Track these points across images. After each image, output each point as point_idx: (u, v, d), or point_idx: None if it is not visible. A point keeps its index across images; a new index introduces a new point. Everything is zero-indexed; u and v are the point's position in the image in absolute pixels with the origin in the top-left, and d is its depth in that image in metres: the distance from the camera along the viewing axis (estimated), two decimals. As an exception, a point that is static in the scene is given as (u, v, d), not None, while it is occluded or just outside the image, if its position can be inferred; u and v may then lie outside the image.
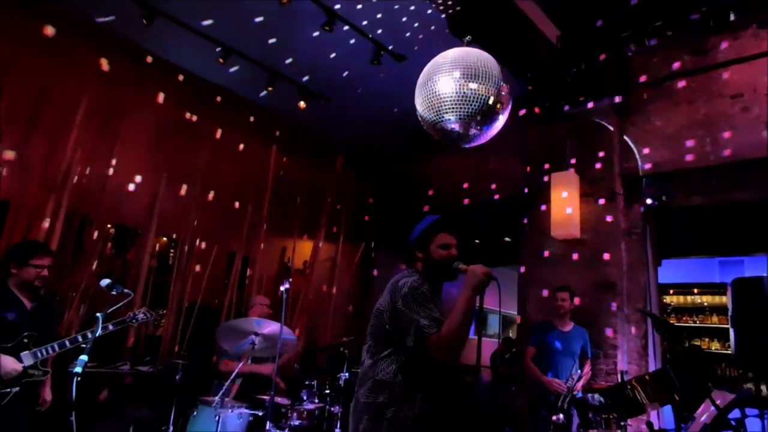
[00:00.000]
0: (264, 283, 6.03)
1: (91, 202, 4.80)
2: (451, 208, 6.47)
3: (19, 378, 2.78)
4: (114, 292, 2.50)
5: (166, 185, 5.28)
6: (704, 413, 2.79)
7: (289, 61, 5.46)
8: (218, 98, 5.84)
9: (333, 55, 5.34)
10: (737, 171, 4.58)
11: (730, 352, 7.59)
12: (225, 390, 3.59)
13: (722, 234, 5.61)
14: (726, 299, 8.18)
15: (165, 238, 5.44)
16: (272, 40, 5.13)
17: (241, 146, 6.05)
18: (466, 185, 6.46)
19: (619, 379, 3.56)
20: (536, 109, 5.50)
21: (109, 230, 5.02)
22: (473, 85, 3.69)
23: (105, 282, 2.56)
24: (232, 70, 5.42)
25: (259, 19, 4.83)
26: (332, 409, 4.26)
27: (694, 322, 8.49)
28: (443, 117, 3.80)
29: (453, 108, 3.76)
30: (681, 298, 8.66)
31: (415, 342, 1.91)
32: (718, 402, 2.59)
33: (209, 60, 5.20)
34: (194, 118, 5.65)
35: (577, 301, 4.64)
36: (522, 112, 5.44)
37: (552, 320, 4.60)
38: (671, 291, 8.55)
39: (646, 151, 5.00)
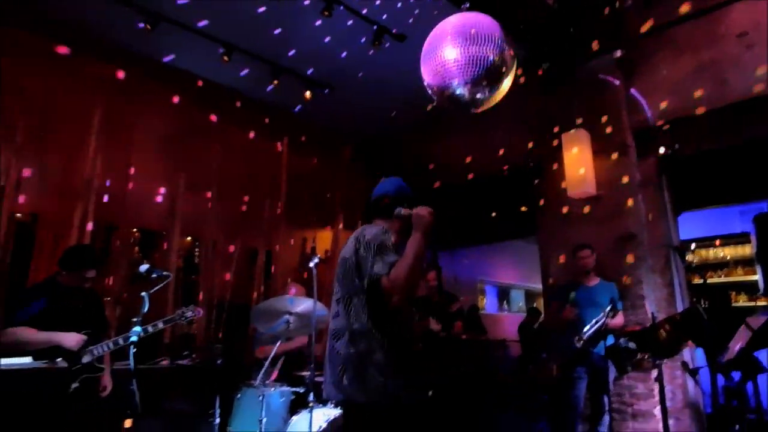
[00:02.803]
0: (288, 275, 6.13)
1: (114, 209, 4.92)
2: (463, 182, 6.49)
3: (78, 373, 2.88)
4: (154, 275, 2.60)
5: (184, 187, 5.39)
6: (738, 341, 2.82)
7: (291, 53, 5.52)
8: (225, 99, 5.93)
9: (333, 43, 5.37)
10: (747, 109, 4.57)
11: (759, 304, 7.53)
12: (265, 371, 3.69)
13: (739, 179, 5.58)
14: (749, 249, 8.11)
15: (189, 238, 5.56)
16: (273, 33, 5.19)
17: (252, 144, 6.13)
18: (474, 159, 6.49)
19: (650, 323, 3.58)
20: (539, 72, 5.52)
21: (134, 235, 5.15)
22: (477, 49, 3.76)
23: (144, 267, 2.66)
24: (237, 68, 5.50)
25: (258, 12, 4.89)
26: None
27: (719, 277, 8.40)
28: (450, 83, 3.87)
29: (459, 73, 3.82)
30: (702, 253, 8.55)
31: (368, 285, 1.99)
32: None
33: (213, 61, 5.28)
34: (203, 120, 5.74)
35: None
36: (524, 77, 5.47)
37: (577, 279, 4.65)
38: (692, 246, 8.47)
39: (654, 101, 5.00)
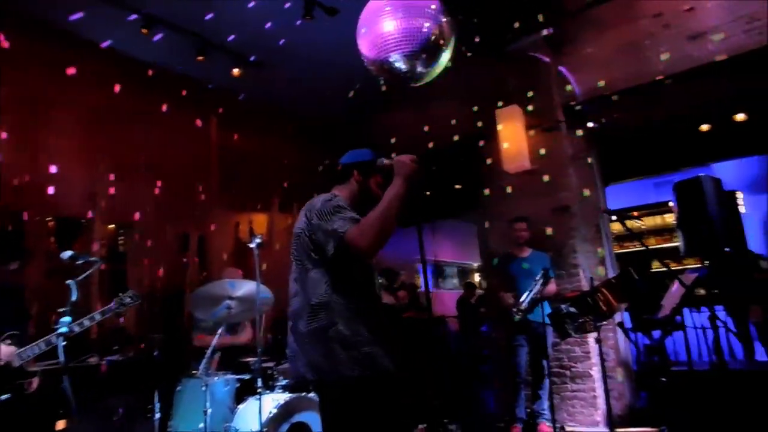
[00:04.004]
0: (223, 261, 5.87)
1: (26, 196, 4.46)
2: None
3: (11, 379, 2.57)
4: (80, 262, 2.36)
5: (105, 170, 4.98)
6: (671, 297, 3.00)
7: (217, 26, 5.20)
8: (149, 75, 5.49)
9: (266, 19, 5.12)
10: (666, 87, 4.84)
11: (672, 269, 8.13)
12: (206, 361, 3.50)
13: (658, 153, 5.96)
14: (659, 219, 8.73)
15: (113, 226, 5.17)
16: (199, 8, 4.87)
17: (182, 124, 5.74)
18: (412, 137, 6.47)
19: (589, 287, 3.76)
20: (471, 50, 5.55)
21: (49, 224, 4.71)
22: (415, 21, 3.71)
23: (67, 254, 2.40)
24: (165, 44, 5.11)
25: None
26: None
27: (635, 247, 9.00)
28: (388, 56, 3.80)
29: (398, 46, 3.76)
30: (619, 226, 9.09)
31: (334, 247, 1.86)
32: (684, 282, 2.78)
33: (135, 36, 4.88)
34: (127, 99, 5.29)
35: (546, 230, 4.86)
36: (460, 53, 5.48)
37: (511, 251, 4.81)
38: (613, 218, 9.01)
39: (581, 78, 5.19)
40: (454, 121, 5.90)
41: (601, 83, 5.04)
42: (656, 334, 5.41)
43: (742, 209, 7.99)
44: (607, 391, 3.61)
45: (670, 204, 8.19)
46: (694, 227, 4.14)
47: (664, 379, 3.94)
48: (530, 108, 5.24)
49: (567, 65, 5.28)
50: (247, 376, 3.60)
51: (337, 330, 1.85)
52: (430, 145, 6.12)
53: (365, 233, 1.81)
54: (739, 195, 7.78)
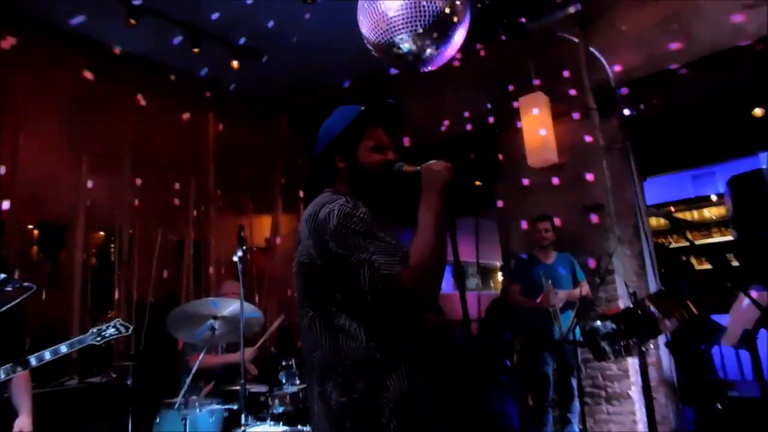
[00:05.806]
0: (224, 268, 5.43)
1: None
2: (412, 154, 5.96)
3: None
4: (9, 288, 1.93)
5: (88, 169, 4.56)
6: (740, 319, 2.45)
7: (213, 16, 4.79)
8: (142, 69, 5.07)
9: (259, 5, 4.67)
10: (711, 66, 4.25)
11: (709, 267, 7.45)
12: (188, 387, 3.07)
13: (700, 142, 5.33)
14: (697, 213, 8.03)
15: (102, 233, 4.77)
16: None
17: (174, 120, 5.30)
18: (423, 128, 5.95)
19: (630, 302, 3.20)
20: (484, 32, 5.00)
21: (32, 232, 4.33)
22: (423, -6, 3.22)
23: (-2, 277, 1.97)
24: (154, 34, 4.71)
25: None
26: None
27: (669, 244, 8.32)
28: (394, 38, 3.32)
29: (404, 25, 3.28)
30: (654, 221, 8.42)
31: (375, 293, 1.31)
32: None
33: (122, 26, 4.47)
34: (116, 94, 4.88)
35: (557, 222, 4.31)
36: (475, 35, 4.94)
37: (535, 253, 4.30)
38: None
39: (615, 59, 4.61)
40: (472, 111, 5.35)
41: (639, 64, 4.46)
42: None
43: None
44: (651, 416, 3.06)
45: (713, 197, 7.53)
46: (752, 226, 3.58)
47: (720, 405, 3.37)
48: (557, 94, 4.67)
49: (598, 45, 4.70)
50: (235, 406, 3.16)
51: (389, 396, 1.34)
52: (444, 135, 5.58)
53: (421, 277, 1.32)
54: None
